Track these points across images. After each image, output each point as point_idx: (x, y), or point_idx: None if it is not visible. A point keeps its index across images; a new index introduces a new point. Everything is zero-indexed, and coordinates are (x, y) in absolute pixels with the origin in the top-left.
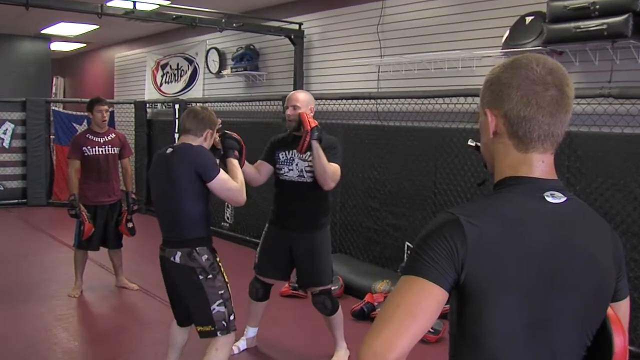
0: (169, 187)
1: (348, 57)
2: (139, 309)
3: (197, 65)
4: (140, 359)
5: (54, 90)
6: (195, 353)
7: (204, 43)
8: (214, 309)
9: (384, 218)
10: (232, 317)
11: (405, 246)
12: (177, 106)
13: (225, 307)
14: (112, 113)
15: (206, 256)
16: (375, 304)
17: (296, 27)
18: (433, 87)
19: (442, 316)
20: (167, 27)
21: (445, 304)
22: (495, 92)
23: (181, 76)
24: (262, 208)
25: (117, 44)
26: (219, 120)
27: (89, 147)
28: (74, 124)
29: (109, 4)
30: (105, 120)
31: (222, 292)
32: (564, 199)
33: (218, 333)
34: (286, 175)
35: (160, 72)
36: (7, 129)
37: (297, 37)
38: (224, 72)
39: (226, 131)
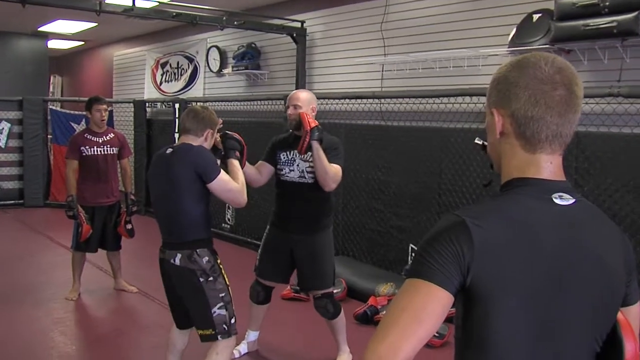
0: (169, 188)
1: (351, 56)
2: (138, 312)
3: (197, 64)
4: None
5: (51, 89)
6: (196, 357)
7: (204, 41)
8: (214, 312)
9: (387, 220)
10: (233, 321)
11: (410, 248)
12: (177, 105)
13: (226, 310)
14: (110, 112)
15: (207, 258)
16: (379, 307)
17: (298, 25)
18: (438, 86)
19: (448, 320)
20: (167, 25)
21: (451, 308)
22: (502, 92)
23: (181, 75)
24: (263, 209)
25: (116, 42)
26: (220, 120)
27: (87, 147)
28: (72, 124)
29: (107, 1)
30: (104, 120)
31: (223, 294)
32: (573, 201)
33: (219, 337)
34: (287, 176)
35: (160, 71)
36: (3, 129)
37: (299, 36)
38: (225, 71)
39: (227, 131)
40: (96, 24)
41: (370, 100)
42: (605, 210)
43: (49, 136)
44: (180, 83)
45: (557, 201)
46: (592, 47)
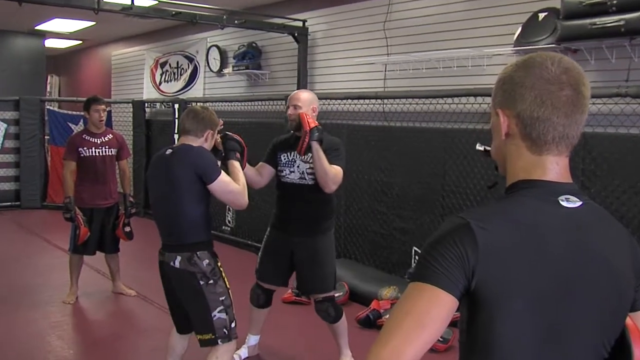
0: (168, 189)
1: (354, 56)
2: (137, 315)
3: (197, 64)
4: None
5: (48, 89)
6: None
7: (204, 41)
8: (214, 315)
9: (390, 222)
10: (233, 325)
11: (413, 251)
12: (176, 106)
13: (227, 314)
14: (109, 113)
15: (207, 261)
16: (382, 311)
17: (300, 24)
18: (441, 86)
19: (452, 324)
20: (166, 24)
21: (455, 312)
22: (507, 92)
23: (181, 75)
24: (264, 211)
25: (114, 41)
26: (221, 121)
27: (85, 148)
28: (70, 124)
29: None
30: (102, 120)
31: (224, 298)
32: (580, 203)
33: (219, 341)
34: (287, 178)
35: (159, 71)
36: None
37: (301, 35)
38: (225, 71)
39: (227, 132)
40: (94, 22)
41: (373, 101)
42: (613, 213)
43: (46, 137)
44: (180, 83)
45: (564, 204)
46: (600, 47)
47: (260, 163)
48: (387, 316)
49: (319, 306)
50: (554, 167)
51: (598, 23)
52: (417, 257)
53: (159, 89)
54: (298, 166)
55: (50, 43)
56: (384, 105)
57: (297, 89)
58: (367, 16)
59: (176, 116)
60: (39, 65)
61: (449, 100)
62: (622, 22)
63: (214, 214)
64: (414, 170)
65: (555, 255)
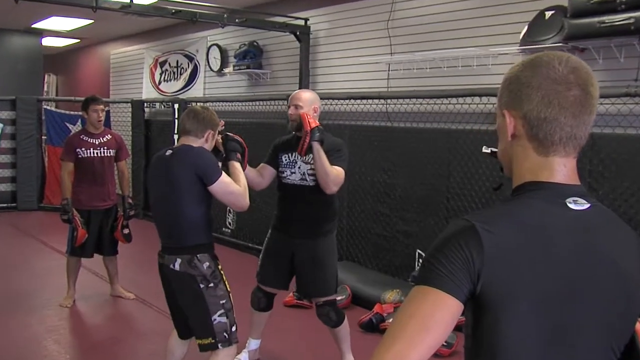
0: (168, 190)
1: (356, 55)
2: (135, 319)
3: (197, 63)
4: None
5: (45, 88)
6: None
7: (204, 39)
8: (215, 319)
9: (394, 224)
10: (234, 329)
11: (417, 254)
12: (176, 106)
13: (227, 317)
14: (107, 113)
15: (207, 263)
16: (385, 314)
17: (302, 22)
18: (446, 86)
19: (457, 328)
20: (166, 23)
21: (460, 316)
22: (514, 92)
23: (181, 74)
24: (265, 213)
25: (113, 40)
26: (222, 122)
27: (83, 149)
28: (68, 124)
29: None
30: (101, 121)
31: (224, 301)
32: (587, 205)
33: (219, 345)
34: (288, 179)
35: (158, 70)
36: None
37: (302, 34)
38: (226, 70)
39: (228, 133)
40: (92, 21)
41: (376, 101)
42: (621, 215)
43: (43, 137)
44: (180, 82)
45: (572, 206)
46: (608, 45)
47: (262, 164)
48: (391, 320)
49: (320, 310)
50: (562, 169)
51: (606, 21)
52: (421, 260)
53: (158, 88)
54: (299, 167)
55: (47, 41)
56: (387, 106)
57: (299, 89)
58: (370, 14)
59: (176, 116)
60: (36, 64)
61: (454, 100)
62: (631, 20)
63: (214, 216)
64: (418, 171)
65: (562, 257)
